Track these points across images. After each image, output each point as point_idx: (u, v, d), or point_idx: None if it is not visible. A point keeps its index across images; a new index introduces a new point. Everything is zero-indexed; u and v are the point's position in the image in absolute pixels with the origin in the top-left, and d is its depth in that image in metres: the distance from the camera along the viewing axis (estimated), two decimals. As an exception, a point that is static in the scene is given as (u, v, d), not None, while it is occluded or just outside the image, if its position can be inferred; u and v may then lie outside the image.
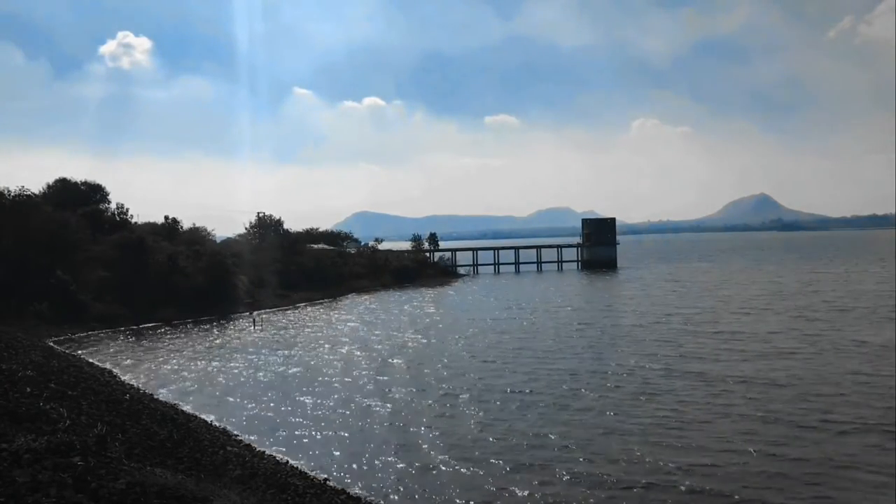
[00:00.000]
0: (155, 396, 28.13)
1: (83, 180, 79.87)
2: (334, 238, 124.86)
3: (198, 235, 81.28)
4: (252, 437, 23.30)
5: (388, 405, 28.09)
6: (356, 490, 18.33)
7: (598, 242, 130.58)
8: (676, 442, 21.68)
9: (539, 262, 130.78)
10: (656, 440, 21.89)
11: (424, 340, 45.74)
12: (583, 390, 29.20)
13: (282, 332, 52.96)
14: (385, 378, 33.60)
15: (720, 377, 30.30)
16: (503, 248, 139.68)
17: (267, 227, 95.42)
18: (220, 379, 34.70)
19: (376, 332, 50.28)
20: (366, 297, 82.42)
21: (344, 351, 42.45)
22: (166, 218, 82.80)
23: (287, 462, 20.33)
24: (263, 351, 43.11)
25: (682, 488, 17.88)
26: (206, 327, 56.06)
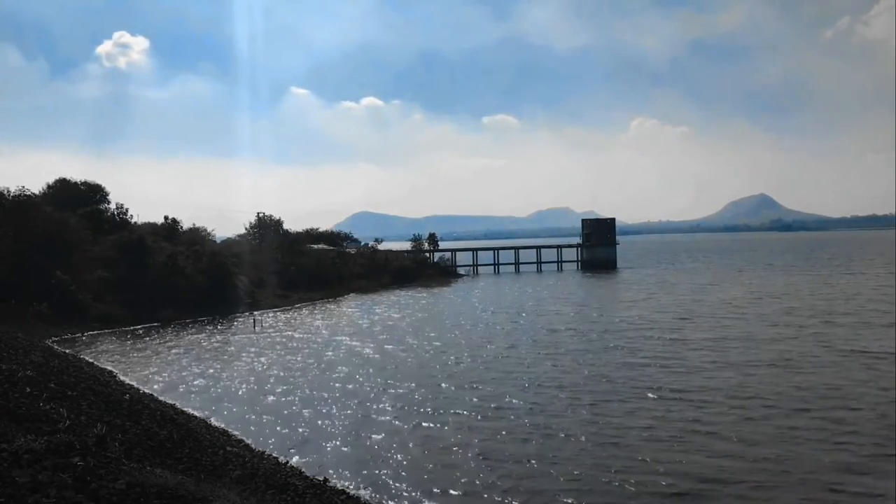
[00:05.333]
0: (155, 396, 28.12)
1: (83, 180, 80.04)
2: (334, 238, 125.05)
3: (198, 236, 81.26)
4: (252, 438, 23.30)
5: (382, 408, 28.10)
6: (358, 491, 18.35)
7: (598, 243, 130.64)
8: (616, 462, 20.12)
9: (539, 263, 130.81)
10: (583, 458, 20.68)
11: (414, 346, 45.72)
12: (511, 398, 28.91)
13: (281, 332, 52.93)
14: (379, 381, 33.57)
15: (695, 388, 28.77)
16: (503, 248, 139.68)
17: (267, 228, 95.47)
18: (220, 379, 34.67)
19: (370, 335, 50.26)
20: (366, 297, 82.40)
21: (341, 353, 42.46)
22: (166, 218, 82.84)
23: (287, 462, 20.32)
24: (263, 351, 43.09)
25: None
26: (206, 328, 56.04)
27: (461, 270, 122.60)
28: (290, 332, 52.65)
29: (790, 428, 22.95)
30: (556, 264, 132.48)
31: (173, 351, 44.02)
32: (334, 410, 27.52)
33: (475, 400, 28.27)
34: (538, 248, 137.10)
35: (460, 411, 26.63)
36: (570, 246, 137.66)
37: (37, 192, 67.03)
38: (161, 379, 34.48)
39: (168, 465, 14.83)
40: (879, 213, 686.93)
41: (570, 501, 17.56)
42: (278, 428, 25.03)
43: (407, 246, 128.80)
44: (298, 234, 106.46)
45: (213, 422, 25.03)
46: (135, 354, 42.49)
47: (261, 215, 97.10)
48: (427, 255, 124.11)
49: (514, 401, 27.91)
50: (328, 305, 73.85)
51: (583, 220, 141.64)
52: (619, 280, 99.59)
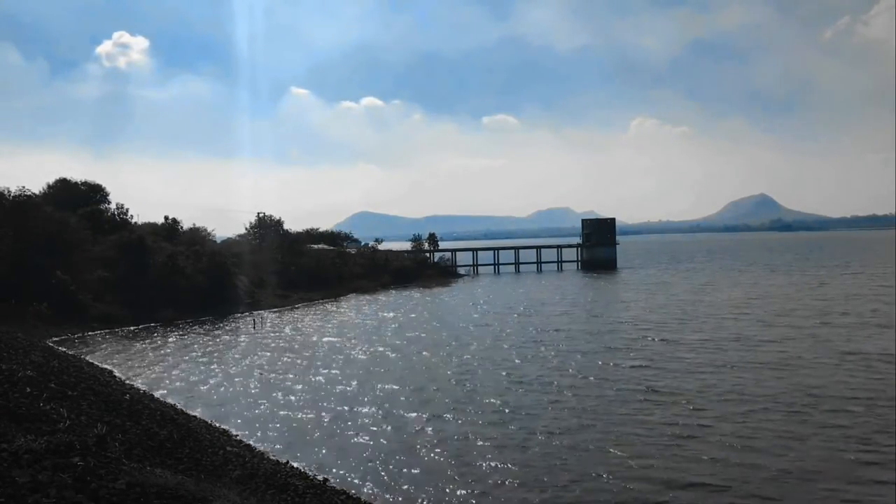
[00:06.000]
0: (155, 396, 28.13)
1: (83, 180, 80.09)
2: (334, 238, 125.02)
3: (198, 236, 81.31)
4: (252, 438, 23.32)
5: (379, 408, 28.11)
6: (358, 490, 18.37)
7: (598, 243, 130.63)
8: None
9: (539, 263, 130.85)
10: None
11: (411, 347, 45.70)
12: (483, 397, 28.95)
13: (281, 333, 52.95)
14: (376, 382, 33.58)
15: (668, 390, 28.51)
16: (503, 248, 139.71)
17: (267, 228, 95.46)
18: (220, 379, 34.69)
19: (368, 336, 50.29)
20: (366, 297, 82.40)
21: (340, 353, 42.49)
22: (166, 218, 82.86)
23: (287, 462, 20.33)
24: (262, 352, 43.11)
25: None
26: (206, 328, 56.04)
27: (461, 270, 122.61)
28: (289, 333, 52.66)
29: (787, 431, 22.69)
30: (556, 264, 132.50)
31: (173, 351, 44.03)
32: (333, 411, 27.53)
33: (469, 402, 28.24)
34: (538, 248, 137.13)
35: (455, 413, 26.61)
36: (570, 246, 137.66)
37: (37, 192, 67.09)
38: (161, 378, 34.50)
39: (168, 465, 14.84)
40: (879, 213, 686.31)
41: None
42: (278, 428, 25.05)
43: (407, 246, 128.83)
44: (298, 234, 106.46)
45: (214, 422, 25.04)
46: (135, 354, 42.51)
47: (261, 215, 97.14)
48: (427, 255, 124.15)
49: (506, 403, 27.82)
50: (328, 306, 73.84)
51: (583, 220, 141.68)
52: (618, 280, 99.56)
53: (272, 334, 51.70)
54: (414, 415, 26.53)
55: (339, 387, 31.92)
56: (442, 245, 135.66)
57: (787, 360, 34.19)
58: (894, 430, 22.20)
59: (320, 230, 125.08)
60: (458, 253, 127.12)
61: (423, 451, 22.05)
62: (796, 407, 25.49)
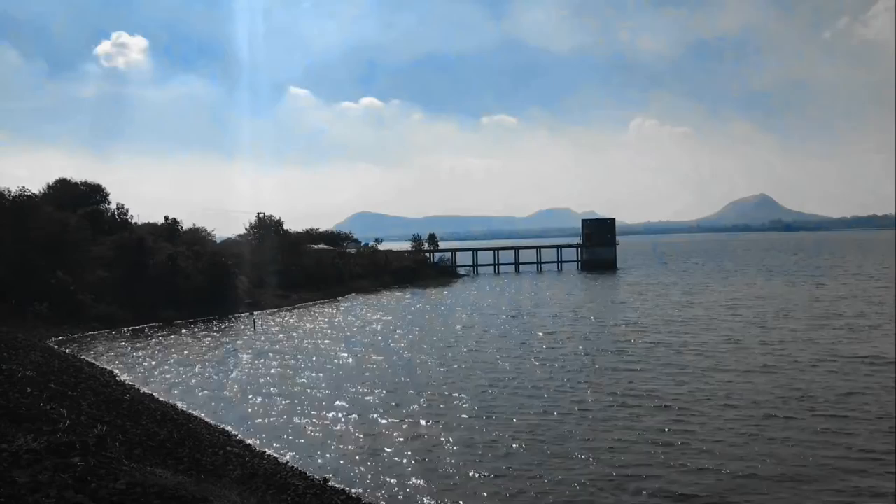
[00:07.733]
0: (155, 396, 28.16)
1: (83, 180, 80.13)
2: (334, 238, 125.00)
3: (198, 236, 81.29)
4: (252, 438, 23.32)
5: (377, 409, 28.12)
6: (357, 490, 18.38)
7: (598, 243, 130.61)
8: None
9: (539, 263, 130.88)
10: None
11: (403, 349, 45.72)
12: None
13: (280, 333, 52.95)
14: (374, 383, 33.59)
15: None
16: (503, 248, 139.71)
17: (267, 228, 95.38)
18: (220, 379, 34.69)
19: (367, 337, 50.31)
20: (365, 298, 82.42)
21: (338, 354, 42.46)
22: (166, 218, 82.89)
23: (287, 462, 20.34)
24: (261, 352, 43.11)
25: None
26: (206, 328, 56.05)
27: (461, 271, 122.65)
28: (288, 333, 52.65)
29: (783, 434, 22.36)
30: (556, 264, 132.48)
31: (173, 351, 44.02)
32: (332, 411, 27.53)
33: (462, 404, 28.14)
34: (538, 248, 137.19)
35: (448, 415, 26.54)
36: (570, 246, 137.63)
37: (37, 192, 67.10)
38: (161, 379, 34.50)
39: (168, 465, 14.85)
40: (879, 214, 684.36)
41: None
42: (277, 428, 25.04)
43: (407, 246, 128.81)
44: (298, 234, 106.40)
45: (213, 422, 25.05)
46: (135, 354, 42.51)
47: (261, 215, 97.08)
48: (427, 255, 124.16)
49: (498, 406, 27.69)
50: (328, 306, 73.83)
51: (583, 221, 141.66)
52: (617, 281, 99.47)
53: (272, 335, 51.68)
54: (411, 417, 26.48)
55: (339, 388, 31.89)
56: (442, 245, 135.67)
57: (787, 364, 33.78)
58: (894, 433, 21.97)
59: (320, 230, 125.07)
60: (457, 253, 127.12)
61: (422, 451, 22.03)
62: (791, 410, 25.16)
